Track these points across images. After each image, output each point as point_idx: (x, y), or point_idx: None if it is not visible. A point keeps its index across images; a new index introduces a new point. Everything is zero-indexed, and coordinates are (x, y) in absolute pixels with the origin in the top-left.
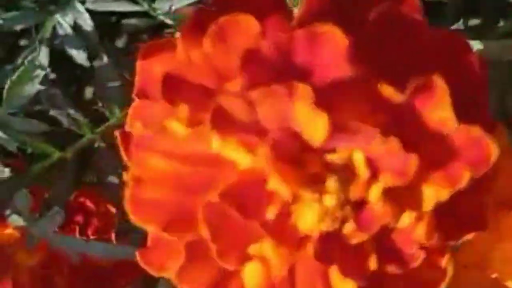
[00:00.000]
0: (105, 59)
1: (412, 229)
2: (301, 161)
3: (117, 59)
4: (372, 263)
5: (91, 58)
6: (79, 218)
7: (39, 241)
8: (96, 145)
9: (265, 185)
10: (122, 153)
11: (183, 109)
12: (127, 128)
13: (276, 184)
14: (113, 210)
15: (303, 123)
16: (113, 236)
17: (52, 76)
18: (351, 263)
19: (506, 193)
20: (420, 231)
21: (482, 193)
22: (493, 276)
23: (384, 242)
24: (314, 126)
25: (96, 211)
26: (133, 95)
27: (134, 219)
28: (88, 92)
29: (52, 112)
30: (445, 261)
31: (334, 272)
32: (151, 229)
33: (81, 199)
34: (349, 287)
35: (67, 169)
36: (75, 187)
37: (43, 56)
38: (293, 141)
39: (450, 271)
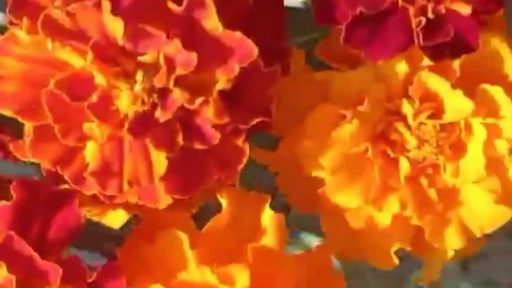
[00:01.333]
0: None
1: (205, 111)
2: (119, 62)
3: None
4: (179, 138)
5: None
6: None
7: None
8: None
9: (93, 80)
10: None
11: (25, 21)
12: None
13: (98, 78)
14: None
15: (110, 29)
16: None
17: None
18: (162, 138)
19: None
20: (210, 112)
21: (267, 86)
22: None
23: (187, 122)
24: (116, 29)
25: None
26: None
27: None
28: None
29: None
30: (241, 142)
31: (150, 146)
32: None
33: None
34: (162, 157)
35: None
36: None
37: None
38: (111, 46)
39: (246, 150)
